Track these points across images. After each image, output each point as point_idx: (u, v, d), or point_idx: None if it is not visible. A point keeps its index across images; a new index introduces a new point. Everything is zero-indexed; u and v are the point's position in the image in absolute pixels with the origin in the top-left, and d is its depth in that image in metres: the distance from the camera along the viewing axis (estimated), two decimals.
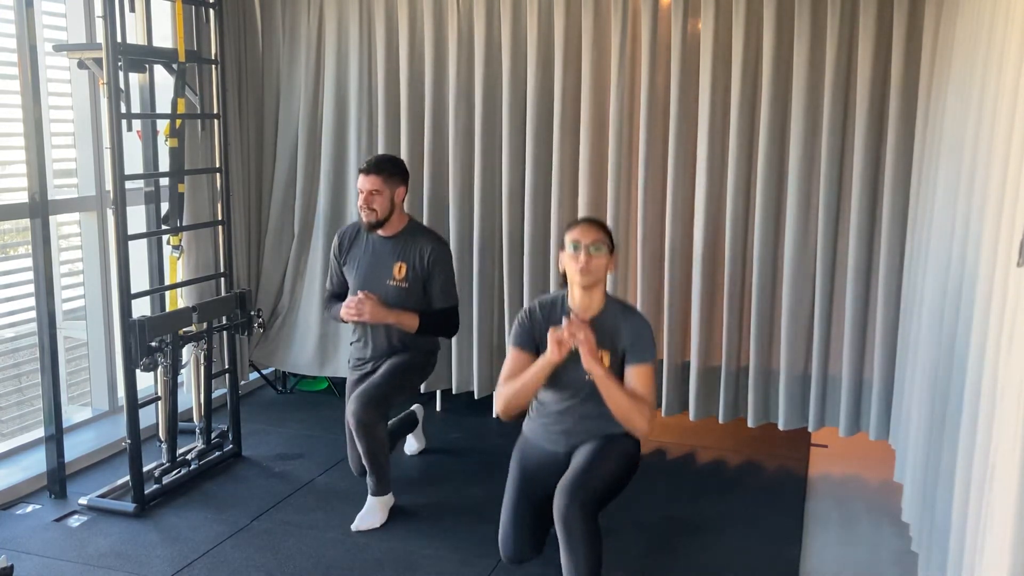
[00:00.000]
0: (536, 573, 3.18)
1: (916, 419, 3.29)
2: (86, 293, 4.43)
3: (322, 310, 4.19)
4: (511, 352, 2.92)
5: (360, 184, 3.55)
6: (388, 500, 3.62)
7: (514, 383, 2.83)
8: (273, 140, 4.88)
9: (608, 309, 2.84)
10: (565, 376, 2.83)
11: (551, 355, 2.71)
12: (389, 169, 3.56)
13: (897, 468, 3.75)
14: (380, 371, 3.63)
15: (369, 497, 3.59)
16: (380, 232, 3.63)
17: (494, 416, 2.86)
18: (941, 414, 2.76)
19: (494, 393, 2.86)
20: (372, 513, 3.57)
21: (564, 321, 2.76)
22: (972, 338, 2.38)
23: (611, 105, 4.27)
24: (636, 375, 2.77)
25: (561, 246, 2.84)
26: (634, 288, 4.39)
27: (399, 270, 3.60)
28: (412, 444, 4.30)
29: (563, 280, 2.91)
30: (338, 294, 3.82)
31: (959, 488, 2.37)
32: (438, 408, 4.88)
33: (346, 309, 3.57)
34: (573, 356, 2.75)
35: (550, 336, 2.70)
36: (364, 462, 3.56)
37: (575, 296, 2.84)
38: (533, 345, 2.84)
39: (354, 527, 3.50)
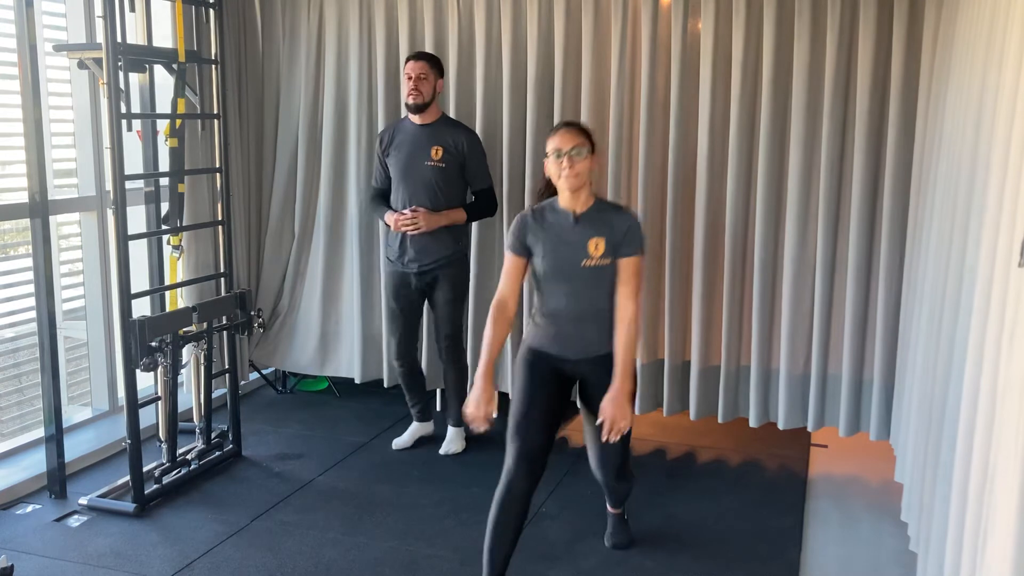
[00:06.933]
0: (542, 573, 3.19)
1: (915, 419, 3.30)
2: (86, 293, 4.43)
3: (366, 209, 4.64)
4: (506, 257, 3.07)
5: (409, 69, 3.98)
6: (463, 431, 4.33)
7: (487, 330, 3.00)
8: (273, 140, 4.88)
9: (596, 205, 3.02)
10: (561, 264, 2.95)
11: None
12: (433, 59, 4.03)
13: (898, 468, 3.75)
14: (439, 303, 4.16)
15: (450, 428, 4.33)
16: (418, 120, 4.05)
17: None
18: (940, 414, 2.76)
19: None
20: (454, 441, 4.31)
21: (560, 220, 2.97)
22: (972, 338, 2.37)
23: (611, 105, 4.27)
24: (627, 266, 2.97)
25: (544, 154, 2.99)
26: None
27: (436, 152, 4.02)
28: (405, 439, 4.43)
29: (543, 188, 3.10)
30: (382, 190, 4.20)
31: (957, 488, 2.37)
32: (438, 408, 4.87)
33: (401, 222, 3.98)
34: (567, 243, 2.94)
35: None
36: (449, 393, 4.28)
37: (564, 199, 3.00)
38: (525, 250, 3.01)
39: (442, 451, 4.27)
